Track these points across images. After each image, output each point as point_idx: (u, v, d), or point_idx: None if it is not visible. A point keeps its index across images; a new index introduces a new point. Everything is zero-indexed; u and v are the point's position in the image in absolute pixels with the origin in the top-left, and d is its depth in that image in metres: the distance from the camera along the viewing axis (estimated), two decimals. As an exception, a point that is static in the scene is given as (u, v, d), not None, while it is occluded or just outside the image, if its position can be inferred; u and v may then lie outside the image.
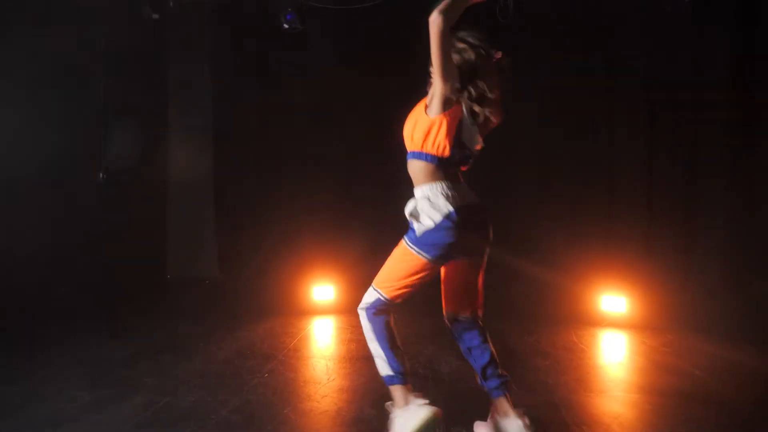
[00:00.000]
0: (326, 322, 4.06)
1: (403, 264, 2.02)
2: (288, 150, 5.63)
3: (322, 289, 4.45)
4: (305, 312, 4.28)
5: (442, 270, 2.11)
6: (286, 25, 5.41)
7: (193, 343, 3.38)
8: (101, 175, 5.05)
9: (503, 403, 2.00)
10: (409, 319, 3.44)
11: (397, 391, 2.02)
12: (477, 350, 2.05)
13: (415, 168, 2.08)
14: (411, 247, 2.00)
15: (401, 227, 5.15)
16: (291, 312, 4.27)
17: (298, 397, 2.58)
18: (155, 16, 5.47)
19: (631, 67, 5.38)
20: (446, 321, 2.14)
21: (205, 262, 6.00)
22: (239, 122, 5.75)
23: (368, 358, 3.03)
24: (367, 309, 2.04)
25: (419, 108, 2.11)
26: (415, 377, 2.63)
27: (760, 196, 5.32)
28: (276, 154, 5.66)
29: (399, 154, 5.02)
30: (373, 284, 2.07)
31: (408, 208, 2.08)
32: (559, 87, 5.36)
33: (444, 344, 3.11)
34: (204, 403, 2.41)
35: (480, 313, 2.11)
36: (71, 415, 2.27)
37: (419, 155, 2.05)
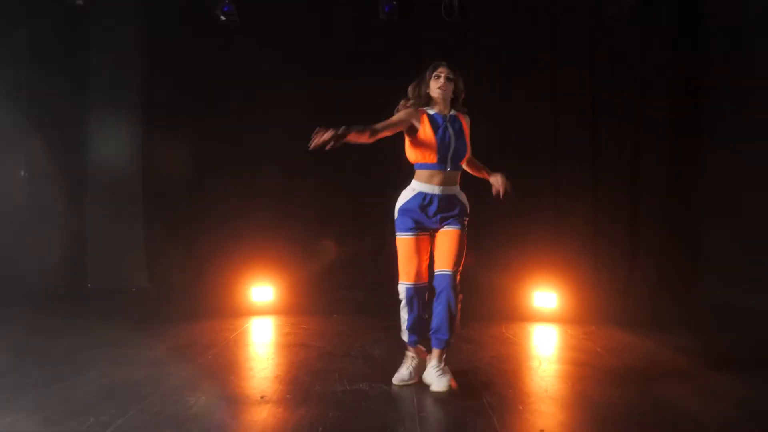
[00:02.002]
0: (266, 320, 5.02)
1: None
2: (223, 142, 6.61)
3: (261, 290, 5.41)
4: (244, 313, 5.22)
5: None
6: (222, 17, 6.42)
7: (133, 338, 4.27)
8: (22, 171, 5.86)
9: (435, 353, 3.20)
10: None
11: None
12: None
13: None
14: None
15: (344, 225, 6.41)
16: (229, 313, 5.20)
17: (240, 369, 3.55)
18: (79, 1, 6.37)
19: (575, 73, 6.64)
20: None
21: (131, 270, 6.83)
22: (168, 121, 6.66)
23: (305, 345, 4.06)
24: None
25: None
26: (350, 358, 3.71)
27: (696, 205, 6.68)
28: (208, 155, 6.61)
29: (345, 146, 6.47)
30: (455, 269, 3.18)
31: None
32: (504, 89, 6.56)
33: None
34: (154, 376, 3.34)
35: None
36: (33, 382, 3.16)
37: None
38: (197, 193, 6.62)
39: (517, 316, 5.21)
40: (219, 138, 6.60)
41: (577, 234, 6.52)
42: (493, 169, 3.41)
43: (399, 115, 3.22)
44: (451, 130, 3.22)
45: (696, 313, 5.80)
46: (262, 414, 2.77)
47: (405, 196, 3.30)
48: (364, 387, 3.18)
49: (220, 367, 3.61)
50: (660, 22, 6.60)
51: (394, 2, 6.27)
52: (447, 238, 3.22)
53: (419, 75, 3.35)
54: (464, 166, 3.42)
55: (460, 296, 3.22)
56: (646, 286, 6.49)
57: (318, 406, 2.88)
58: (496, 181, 3.28)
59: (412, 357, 3.33)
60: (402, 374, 3.26)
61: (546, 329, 4.85)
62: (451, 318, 3.15)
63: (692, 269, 6.65)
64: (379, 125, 3.09)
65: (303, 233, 6.38)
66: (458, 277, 3.20)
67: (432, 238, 3.30)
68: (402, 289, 3.24)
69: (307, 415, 2.74)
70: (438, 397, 3.04)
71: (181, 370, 3.48)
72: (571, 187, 6.56)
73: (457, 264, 3.19)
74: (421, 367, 3.30)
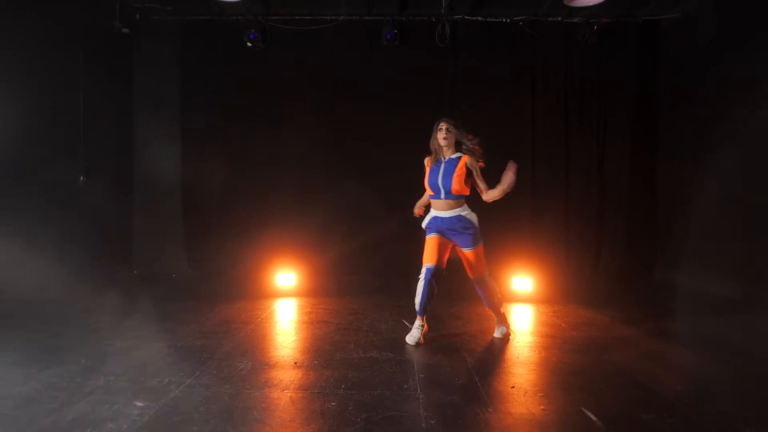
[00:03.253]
0: (290, 301, 5.47)
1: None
2: (250, 151, 7.06)
3: (285, 276, 5.86)
4: (271, 295, 5.68)
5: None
6: (249, 44, 6.84)
7: (184, 316, 4.72)
8: (81, 178, 6.27)
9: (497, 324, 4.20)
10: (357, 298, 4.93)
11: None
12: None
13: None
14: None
15: (352, 222, 6.87)
16: (259, 296, 5.65)
17: (274, 341, 4.01)
18: (125, 30, 6.79)
19: (551, 85, 7.07)
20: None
21: (172, 258, 7.29)
22: (204, 126, 7.11)
23: (324, 322, 4.52)
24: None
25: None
26: (362, 331, 4.18)
27: (653, 203, 7.13)
28: (239, 156, 7.06)
29: (352, 155, 6.98)
30: (478, 275, 4.03)
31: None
32: (489, 103, 6.98)
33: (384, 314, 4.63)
34: (209, 345, 3.80)
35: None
36: (114, 351, 3.62)
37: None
38: (227, 193, 7.07)
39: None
40: (246, 146, 7.04)
41: (551, 228, 6.98)
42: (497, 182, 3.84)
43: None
44: (441, 170, 3.91)
45: (649, 294, 6.25)
46: (298, 375, 3.24)
47: (426, 218, 4.06)
48: (374, 354, 3.65)
49: (258, 339, 4.08)
50: (623, 47, 7.03)
51: (395, 31, 6.69)
52: (464, 257, 4.01)
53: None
54: (486, 197, 3.89)
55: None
56: (609, 272, 6.96)
57: (340, 369, 3.35)
58: (506, 181, 3.74)
59: (421, 324, 3.99)
60: (414, 335, 3.96)
61: (522, 308, 5.30)
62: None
63: (649, 257, 7.12)
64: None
65: (318, 228, 6.85)
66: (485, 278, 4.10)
67: (452, 245, 3.98)
68: (422, 270, 3.88)
69: (332, 376, 3.21)
70: (433, 362, 3.51)
71: (228, 341, 3.94)
72: (546, 188, 7.01)
73: (477, 271, 4.02)
74: (427, 334, 4.04)
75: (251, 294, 5.73)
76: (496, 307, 4.14)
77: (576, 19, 6.91)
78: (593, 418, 2.68)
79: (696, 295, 5.96)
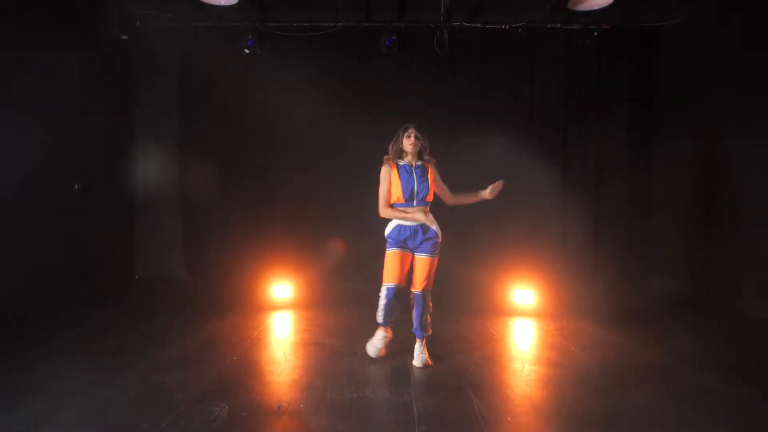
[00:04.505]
0: (284, 317, 4.76)
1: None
2: (245, 166, 6.32)
3: (281, 287, 5.15)
4: (265, 308, 4.97)
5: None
6: (247, 50, 6.10)
7: (167, 336, 4.02)
8: (76, 185, 5.56)
9: (418, 343, 3.53)
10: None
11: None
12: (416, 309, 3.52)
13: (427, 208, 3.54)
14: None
15: (341, 232, 6.02)
16: (253, 308, 4.95)
17: (260, 373, 3.30)
18: (124, 36, 6.04)
19: (550, 92, 6.34)
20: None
21: (172, 264, 6.60)
22: (202, 135, 6.37)
23: (317, 344, 3.81)
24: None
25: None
26: (357, 357, 3.46)
27: (652, 207, 6.40)
28: (234, 170, 6.32)
29: (350, 166, 5.94)
30: (426, 289, 3.51)
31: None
32: (489, 106, 6.24)
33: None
34: (185, 380, 3.09)
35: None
36: (78, 388, 2.92)
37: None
38: (225, 203, 6.34)
39: (498, 310, 4.97)
40: (243, 157, 6.31)
41: (550, 237, 6.27)
42: (476, 189, 3.54)
43: (383, 186, 3.52)
44: (414, 176, 3.46)
45: (653, 303, 5.51)
46: (279, 425, 2.53)
47: (389, 227, 3.56)
48: (369, 394, 2.94)
49: (243, 370, 3.34)
50: (621, 52, 6.30)
51: (394, 38, 5.94)
52: (419, 263, 3.50)
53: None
54: (451, 202, 3.64)
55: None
56: (607, 279, 6.25)
57: (328, 415, 2.64)
58: (487, 193, 3.48)
59: (384, 335, 3.63)
60: (376, 346, 3.60)
61: (524, 324, 4.58)
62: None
63: (645, 264, 6.40)
64: (385, 210, 3.54)
65: (314, 238, 6.13)
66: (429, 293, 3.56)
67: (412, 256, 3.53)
68: (383, 288, 3.53)
69: (319, 427, 2.50)
70: (435, 404, 2.80)
71: (209, 373, 3.23)
72: (543, 196, 6.28)
73: (427, 285, 3.51)
74: (389, 343, 3.64)
75: (246, 306, 5.01)
76: (425, 329, 3.57)
77: (575, 26, 6.17)
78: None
79: (692, 302, 5.27)
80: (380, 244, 5.84)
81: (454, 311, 4.82)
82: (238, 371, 3.29)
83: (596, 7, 4.78)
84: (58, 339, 3.89)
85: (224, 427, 2.50)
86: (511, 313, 4.86)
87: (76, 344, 3.75)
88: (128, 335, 4.00)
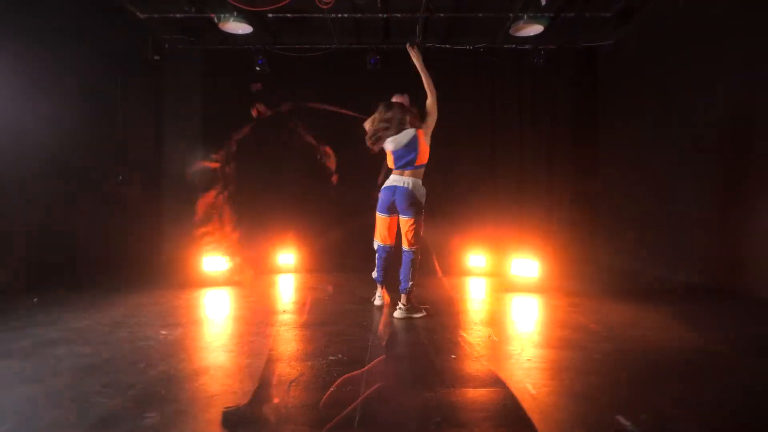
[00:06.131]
0: (290, 276, 5.99)
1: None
2: (255, 160, 7.55)
3: (286, 256, 6.41)
4: (274, 271, 6.22)
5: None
6: (258, 68, 7.41)
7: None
8: (119, 176, 6.82)
9: (402, 297, 3.84)
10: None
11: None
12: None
13: (421, 171, 3.88)
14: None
15: (336, 211, 7.31)
16: (267, 271, 6.18)
17: (273, 310, 4.55)
18: (156, 57, 7.37)
19: (508, 101, 7.65)
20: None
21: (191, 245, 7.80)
22: (221, 135, 7.62)
23: (313, 288, 5.04)
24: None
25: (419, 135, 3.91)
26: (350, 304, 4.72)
27: (594, 194, 7.69)
28: (246, 164, 7.53)
29: (352, 151, 7.22)
30: (414, 245, 3.79)
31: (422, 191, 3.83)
32: (456, 119, 7.50)
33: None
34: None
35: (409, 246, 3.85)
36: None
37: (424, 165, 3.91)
38: (239, 186, 7.50)
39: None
40: (255, 153, 7.54)
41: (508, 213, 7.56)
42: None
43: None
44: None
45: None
46: (288, 317, 3.78)
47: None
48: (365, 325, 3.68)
49: (259, 304, 4.60)
50: (566, 68, 7.64)
51: (377, 57, 7.26)
52: (401, 224, 3.85)
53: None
54: (430, 99, 4.20)
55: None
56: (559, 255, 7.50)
57: (335, 324, 3.64)
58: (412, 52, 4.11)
59: (380, 295, 4.24)
60: (376, 302, 4.21)
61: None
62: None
63: (591, 242, 7.68)
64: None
65: (314, 216, 7.39)
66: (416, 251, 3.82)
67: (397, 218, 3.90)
68: (375, 245, 4.07)
69: (321, 330, 3.74)
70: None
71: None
72: (503, 190, 7.59)
73: (413, 243, 3.79)
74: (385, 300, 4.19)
75: (260, 270, 6.20)
76: (407, 281, 3.80)
77: (527, 46, 7.49)
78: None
79: (635, 276, 6.41)
80: (366, 224, 7.09)
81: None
82: (256, 305, 4.55)
83: (532, 33, 6.08)
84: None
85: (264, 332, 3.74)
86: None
87: (134, 288, 4.98)
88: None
